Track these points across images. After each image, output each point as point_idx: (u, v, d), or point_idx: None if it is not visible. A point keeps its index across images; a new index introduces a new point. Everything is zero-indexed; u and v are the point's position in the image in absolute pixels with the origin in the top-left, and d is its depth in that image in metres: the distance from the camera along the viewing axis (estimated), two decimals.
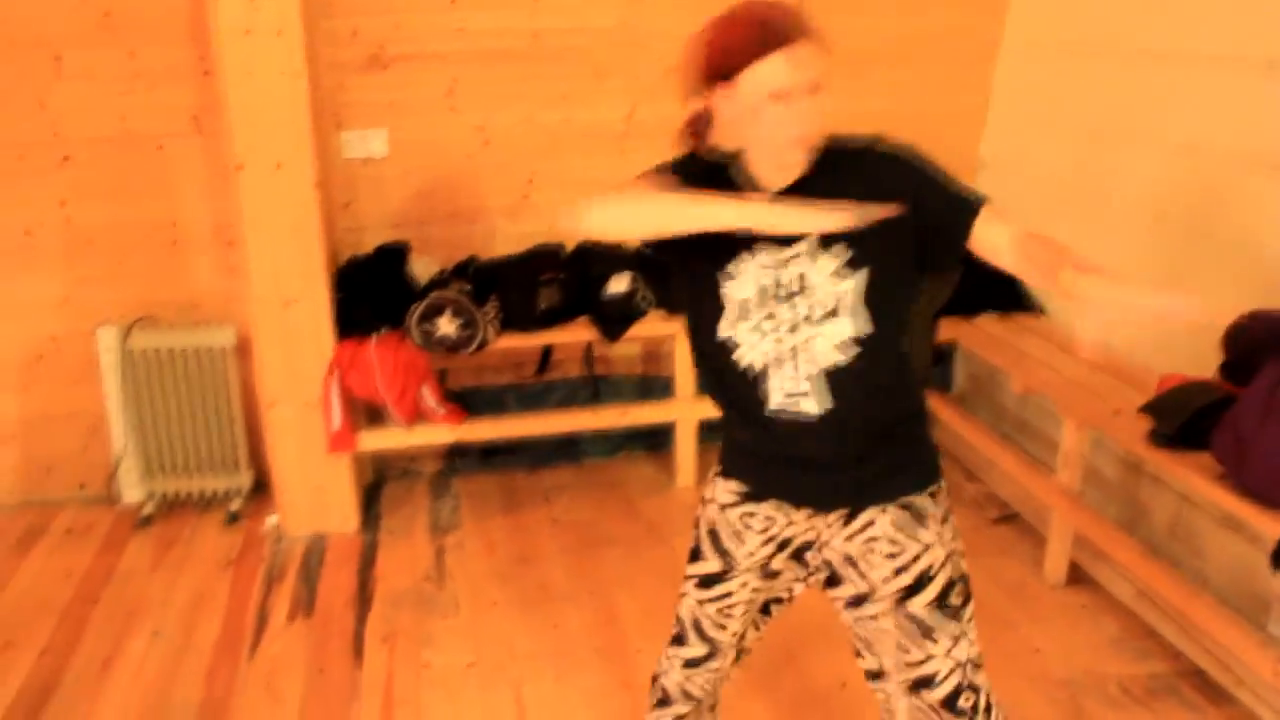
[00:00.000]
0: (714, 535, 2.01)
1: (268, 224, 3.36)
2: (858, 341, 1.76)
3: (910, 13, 3.96)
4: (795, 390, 1.81)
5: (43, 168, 3.59)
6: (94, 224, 3.68)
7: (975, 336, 3.76)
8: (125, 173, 3.63)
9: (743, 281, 1.80)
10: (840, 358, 1.77)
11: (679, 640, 2.09)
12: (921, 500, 1.88)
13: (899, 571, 1.87)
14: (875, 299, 1.74)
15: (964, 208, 1.72)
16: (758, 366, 1.82)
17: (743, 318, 1.81)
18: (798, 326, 1.77)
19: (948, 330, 3.84)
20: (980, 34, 4.04)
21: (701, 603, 2.03)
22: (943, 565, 1.86)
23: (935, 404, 3.98)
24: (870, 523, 1.88)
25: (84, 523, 3.81)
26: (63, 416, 3.85)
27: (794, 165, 1.76)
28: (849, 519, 1.89)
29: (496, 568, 3.52)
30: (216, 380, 3.75)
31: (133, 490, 3.84)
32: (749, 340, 1.81)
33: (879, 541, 1.87)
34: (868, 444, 1.86)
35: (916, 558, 1.86)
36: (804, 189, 1.74)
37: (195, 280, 3.78)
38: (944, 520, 1.89)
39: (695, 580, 2.04)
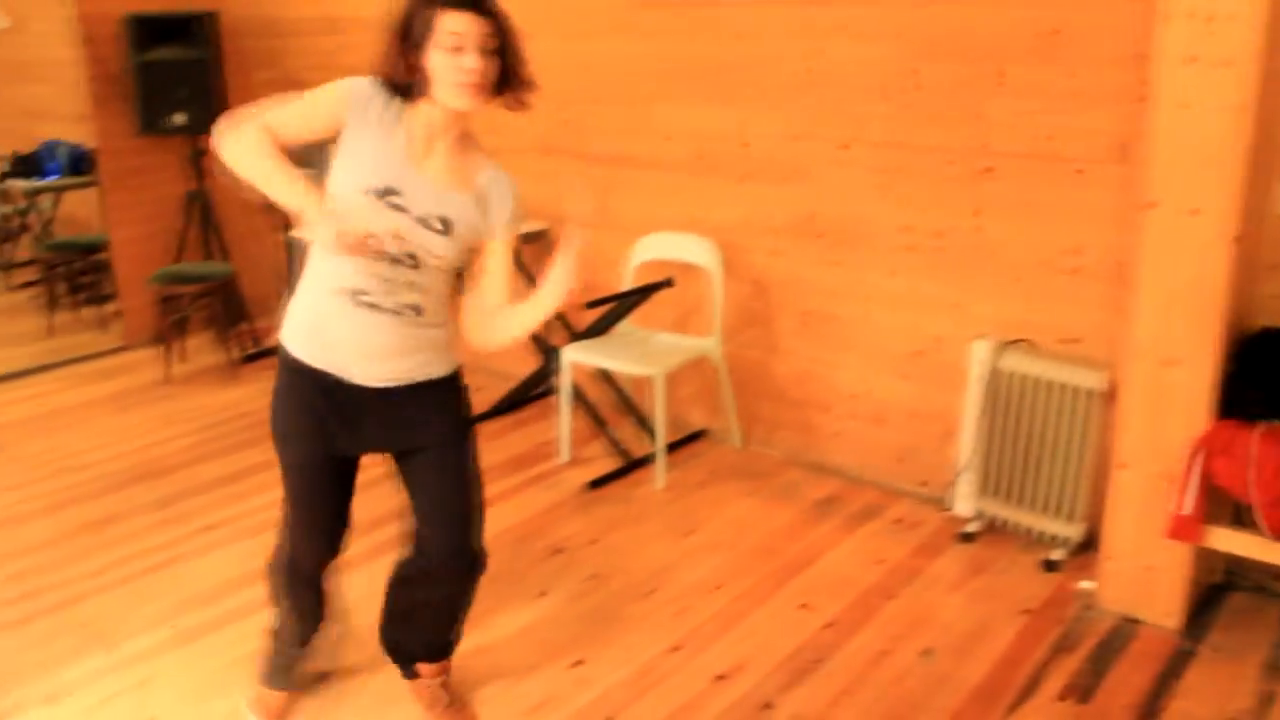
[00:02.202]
0: None
1: (1167, 272, 3.02)
2: None
3: None
4: None
5: (966, 176, 3.68)
6: (1000, 237, 3.67)
7: None
8: (1040, 192, 3.54)
9: None
10: None
11: None
12: None
13: None
14: None
15: None
16: None
17: None
18: None
19: None
20: None
21: None
22: None
23: None
24: None
25: (913, 518, 3.92)
26: (926, 414, 3.98)
27: None
28: None
29: None
30: (1075, 422, 3.53)
31: (964, 503, 3.82)
32: None
33: None
34: None
35: None
36: None
37: (1083, 313, 3.57)
38: None
39: None
